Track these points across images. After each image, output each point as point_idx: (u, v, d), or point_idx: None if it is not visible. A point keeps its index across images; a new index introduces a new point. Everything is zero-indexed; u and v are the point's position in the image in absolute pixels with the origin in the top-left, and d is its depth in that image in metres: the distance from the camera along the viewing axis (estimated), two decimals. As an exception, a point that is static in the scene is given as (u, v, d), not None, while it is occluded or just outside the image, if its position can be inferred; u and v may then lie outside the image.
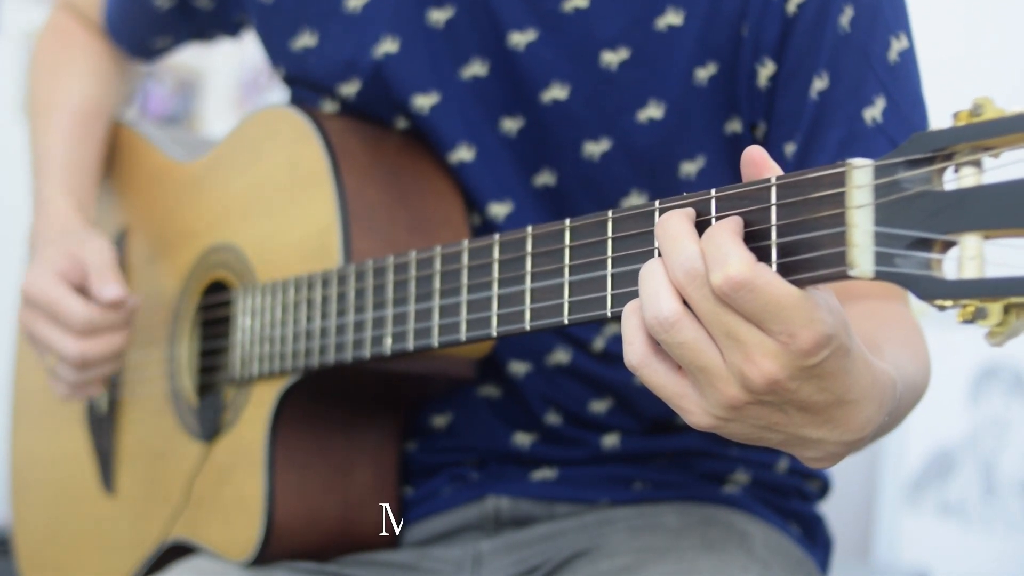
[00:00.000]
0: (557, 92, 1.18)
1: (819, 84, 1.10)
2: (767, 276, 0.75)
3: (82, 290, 1.33)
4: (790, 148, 1.12)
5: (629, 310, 0.82)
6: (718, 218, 0.81)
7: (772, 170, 0.80)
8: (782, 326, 0.75)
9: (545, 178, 1.22)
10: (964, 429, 2.44)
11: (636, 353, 0.81)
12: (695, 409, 0.81)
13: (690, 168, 1.18)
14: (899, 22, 1.12)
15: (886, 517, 2.48)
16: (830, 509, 1.40)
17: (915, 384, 0.98)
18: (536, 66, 1.18)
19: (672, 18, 1.14)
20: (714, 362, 0.78)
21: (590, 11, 1.15)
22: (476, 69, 1.21)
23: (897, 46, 1.11)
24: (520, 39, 1.18)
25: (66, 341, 1.30)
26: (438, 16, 1.21)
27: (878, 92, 1.09)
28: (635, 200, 1.19)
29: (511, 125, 1.22)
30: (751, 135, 1.16)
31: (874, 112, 1.09)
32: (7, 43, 3.27)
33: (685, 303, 0.79)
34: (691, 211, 0.81)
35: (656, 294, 0.79)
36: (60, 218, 1.41)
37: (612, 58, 1.16)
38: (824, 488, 1.37)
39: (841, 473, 1.52)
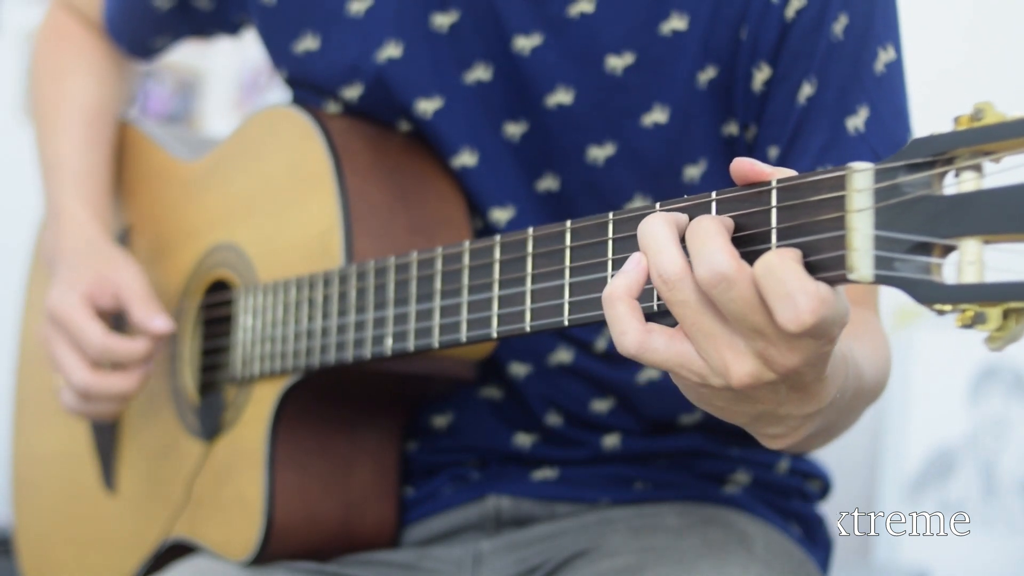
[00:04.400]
0: (562, 96, 1.18)
1: (807, 90, 1.10)
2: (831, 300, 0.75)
3: (108, 313, 1.34)
4: (773, 151, 1.13)
5: (612, 297, 0.81)
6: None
7: (762, 175, 0.80)
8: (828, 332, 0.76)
9: (548, 183, 1.22)
10: (964, 429, 2.44)
11: (631, 340, 0.81)
12: (695, 378, 0.81)
13: (694, 172, 1.18)
14: (888, 33, 1.13)
15: (886, 517, 2.48)
16: (830, 509, 1.40)
17: (871, 382, 0.99)
18: (541, 70, 1.18)
19: (676, 23, 1.14)
20: (722, 331, 0.78)
21: (595, 16, 1.15)
22: (480, 73, 1.21)
23: (884, 57, 1.11)
24: (525, 43, 1.18)
25: (77, 367, 1.31)
26: (442, 20, 1.21)
27: (862, 102, 1.10)
28: (638, 205, 1.19)
29: (514, 130, 1.22)
30: (744, 137, 1.17)
31: (857, 121, 1.10)
32: (7, 43, 3.27)
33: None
34: (674, 216, 0.81)
35: (660, 250, 0.79)
36: (81, 231, 1.41)
37: (617, 63, 1.16)
38: (825, 488, 1.37)
39: (841, 473, 1.52)
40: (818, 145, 1.10)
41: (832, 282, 0.75)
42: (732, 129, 1.16)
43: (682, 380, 0.83)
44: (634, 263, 0.82)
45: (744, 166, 0.80)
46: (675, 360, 0.81)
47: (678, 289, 0.78)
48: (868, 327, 1.08)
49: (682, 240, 0.81)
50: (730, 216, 0.80)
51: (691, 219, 0.81)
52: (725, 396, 0.82)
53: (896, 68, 1.13)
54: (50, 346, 1.35)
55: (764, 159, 1.13)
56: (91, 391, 1.30)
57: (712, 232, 0.78)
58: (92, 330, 1.30)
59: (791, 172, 0.80)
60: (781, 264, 0.75)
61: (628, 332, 0.81)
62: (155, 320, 1.30)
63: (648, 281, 0.81)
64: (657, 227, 0.80)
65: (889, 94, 1.12)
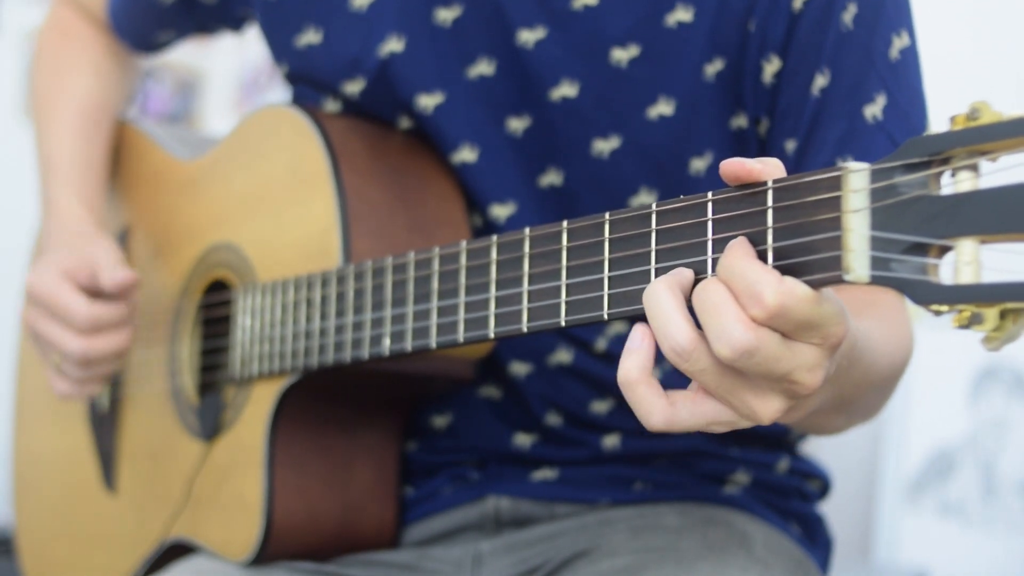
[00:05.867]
0: (567, 90, 1.18)
1: (821, 81, 1.10)
2: (795, 291, 0.75)
3: (88, 290, 1.34)
4: (791, 144, 1.12)
5: (630, 382, 0.82)
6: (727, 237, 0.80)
7: (752, 174, 0.80)
8: (818, 331, 0.77)
9: (551, 178, 1.22)
10: (964, 429, 2.44)
11: (659, 419, 0.81)
12: (725, 428, 0.82)
13: (699, 165, 1.18)
14: (901, 19, 1.12)
15: (886, 517, 2.49)
16: (830, 509, 1.40)
17: (886, 353, 0.99)
18: (545, 64, 1.18)
19: (682, 14, 1.14)
20: (744, 382, 0.79)
21: (600, 8, 1.15)
22: (483, 68, 1.21)
23: (899, 43, 1.11)
24: (529, 37, 1.18)
25: (69, 338, 1.31)
26: (445, 15, 1.21)
27: (879, 89, 1.10)
28: (644, 198, 1.19)
29: (517, 125, 1.22)
30: (755, 131, 1.16)
31: (874, 109, 1.09)
32: (7, 43, 3.27)
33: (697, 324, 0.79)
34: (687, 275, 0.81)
35: (668, 322, 0.79)
36: (69, 220, 1.41)
37: (622, 55, 1.16)
38: (824, 488, 1.37)
39: (841, 473, 1.52)
40: (836, 136, 1.10)
41: (828, 283, 0.75)
42: (741, 122, 1.16)
43: (711, 430, 0.83)
44: (639, 338, 0.82)
45: (734, 167, 0.80)
46: (704, 421, 0.82)
47: (694, 359, 0.78)
48: (883, 305, 1.08)
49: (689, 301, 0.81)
50: (739, 233, 0.80)
51: (696, 277, 0.82)
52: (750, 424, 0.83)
53: (911, 54, 1.12)
54: (36, 325, 1.34)
55: (780, 153, 1.13)
56: (90, 355, 1.31)
57: (720, 303, 0.77)
58: (78, 302, 1.30)
59: (780, 172, 0.80)
60: (739, 258, 0.77)
61: (654, 412, 0.82)
62: (117, 273, 1.30)
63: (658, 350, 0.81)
64: (661, 296, 0.80)
65: (905, 80, 1.11)
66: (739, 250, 0.78)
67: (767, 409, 0.79)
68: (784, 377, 0.77)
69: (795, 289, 0.75)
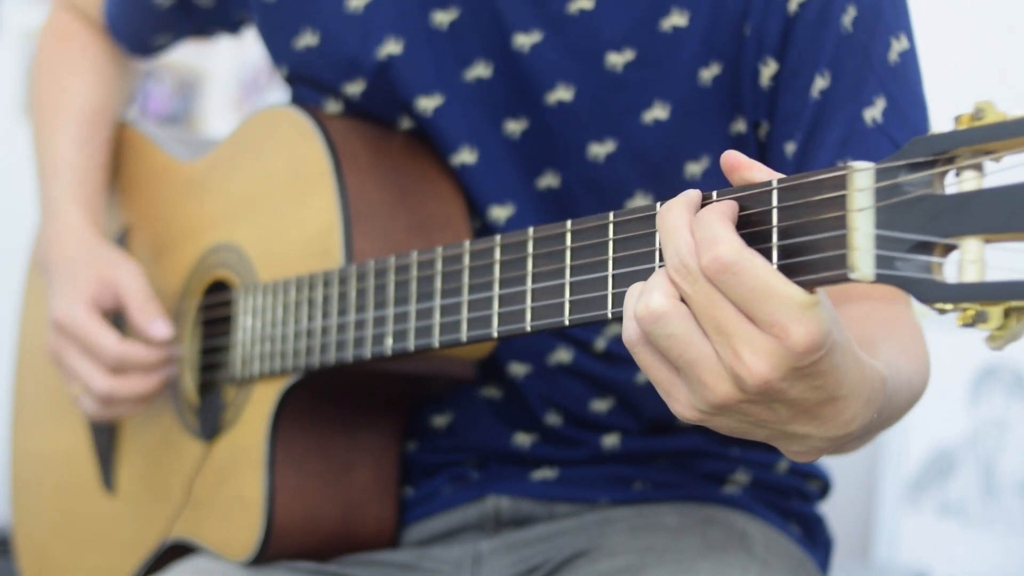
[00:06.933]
0: (562, 93, 1.18)
1: (820, 83, 1.10)
2: (754, 260, 0.75)
3: (114, 314, 1.35)
4: (790, 147, 1.12)
5: (633, 289, 0.82)
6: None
7: (754, 169, 0.80)
8: (772, 316, 0.75)
9: (549, 180, 1.22)
10: (964, 429, 2.44)
11: (634, 331, 0.81)
12: (682, 400, 0.81)
13: (695, 169, 1.18)
14: (899, 23, 1.12)
15: (886, 517, 2.49)
16: (830, 509, 1.40)
17: (909, 384, 0.98)
18: (541, 67, 1.18)
19: (677, 19, 1.14)
20: (702, 357, 0.78)
21: (595, 12, 1.15)
22: (480, 71, 1.21)
23: (897, 47, 1.11)
24: (525, 40, 1.18)
25: (96, 375, 1.32)
26: (442, 17, 1.21)
27: (878, 92, 1.10)
28: (640, 202, 1.19)
29: (515, 127, 1.22)
30: (755, 134, 1.16)
31: (874, 112, 1.09)
32: (7, 43, 3.27)
33: (681, 299, 0.79)
34: (694, 196, 0.81)
35: (651, 287, 0.79)
36: (74, 232, 1.41)
37: (617, 59, 1.16)
38: (824, 488, 1.37)
39: (841, 473, 1.52)
40: (836, 138, 1.10)
41: (834, 281, 0.75)
42: (740, 127, 1.16)
43: (673, 402, 0.82)
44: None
45: (732, 159, 0.80)
46: (658, 376, 0.81)
47: (663, 323, 0.78)
48: (900, 324, 1.07)
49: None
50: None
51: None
52: (718, 422, 0.82)
53: (910, 57, 1.12)
54: (62, 357, 1.36)
55: (780, 155, 1.13)
56: (113, 396, 1.32)
57: (679, 221, 0.79)
58: (107, 339, 1.31)
59: (778, 174, 0.80)
60: (709, 212, 0.78)
61: (628, 326, 0.81)
62: (153, 325, 1.32)
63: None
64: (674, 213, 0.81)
65: (905, 83, 1.11)
66: (718, 208, 0.78)
67: (719, 387, 0.78)
68: (726, 337, 0.76)
69: (755, 257, 0.75)
